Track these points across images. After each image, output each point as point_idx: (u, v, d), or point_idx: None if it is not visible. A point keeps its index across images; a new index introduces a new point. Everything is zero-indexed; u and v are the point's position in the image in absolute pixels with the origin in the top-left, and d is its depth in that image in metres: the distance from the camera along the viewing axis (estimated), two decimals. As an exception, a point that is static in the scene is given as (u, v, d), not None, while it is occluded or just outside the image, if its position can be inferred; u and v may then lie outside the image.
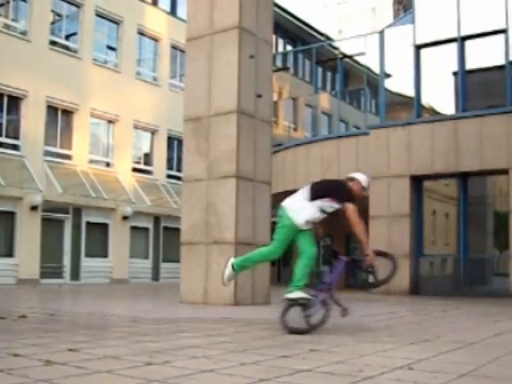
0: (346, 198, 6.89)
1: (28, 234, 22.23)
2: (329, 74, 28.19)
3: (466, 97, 18.64)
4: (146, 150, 28.59)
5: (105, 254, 25.45)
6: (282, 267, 31.82)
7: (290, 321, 6.85)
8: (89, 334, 6.63)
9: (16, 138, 22.68)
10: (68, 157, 24.42)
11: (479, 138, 17.46)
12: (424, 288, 18.26)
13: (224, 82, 12.43)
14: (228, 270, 7.20)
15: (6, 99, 22.46)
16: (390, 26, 21.10)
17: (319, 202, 6.95)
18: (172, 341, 6.01)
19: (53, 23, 24.91)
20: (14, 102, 22.78)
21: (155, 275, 27.53)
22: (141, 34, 27.90)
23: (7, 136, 22.53)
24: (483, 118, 17.58)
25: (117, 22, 26.79)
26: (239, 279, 11.75)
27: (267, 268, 12.72)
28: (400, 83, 20.84)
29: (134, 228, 26.62)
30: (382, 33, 20.53)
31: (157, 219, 27.82)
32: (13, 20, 23.41)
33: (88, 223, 24.87)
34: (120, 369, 4.31)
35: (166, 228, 27.99)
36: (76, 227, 24.35)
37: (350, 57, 24.06)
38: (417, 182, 18.82)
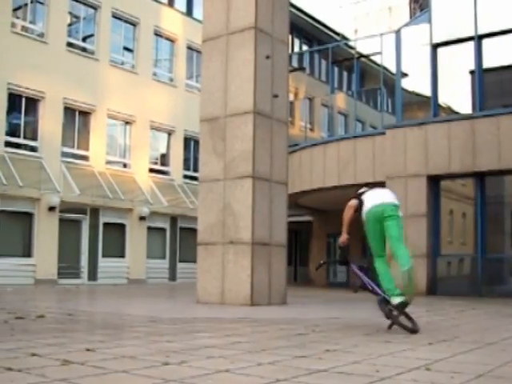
0: None
1: (46, 234, 22.36)
2: (345, 74, 28.14)
3: (483, 96, 18.52)
4: (163, 150, 28.66)
5: (122, 255, 25.55)
6: (298, 267, 31.85)
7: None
8: (106, 333, 6.65)
9: (34, 139, 22.83)
10: (85, 158, 24.55)
11: (496, 137, 17.33)
12: (441, 288, 18.16)
13: (240, 82, 12.43)
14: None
15: (23, 101, 22.62)
16: (406, 25, 21.01)
17: None
18: (189, 341, 6.02)
19: (70, 25, 25.04)
20: (32, 103, 22.93)
21: (172, 275, 27.59)
22: (157, 34, 27.99)
23: (25, 137, 22.68)
24: (500, 117, 17.45)
25: (133, 24, 26.89)
26: (255, 279, 11.76)
27: (283, 268, 12.72)
28: (416, 82, 20.74)
29: (150, 228, 26.69)
30: (398, 32, 20.46)
31: (173, 219, 27.88)
32: (30, 22, 23.56)
33: (105, 224, 24.98)
34: (137, 368, 4.32)
35: (182, 228, 28.04)
36: (93, 228, 24.47)
37: (367, 56, 23.98)
38: (434, 181, 18.72)
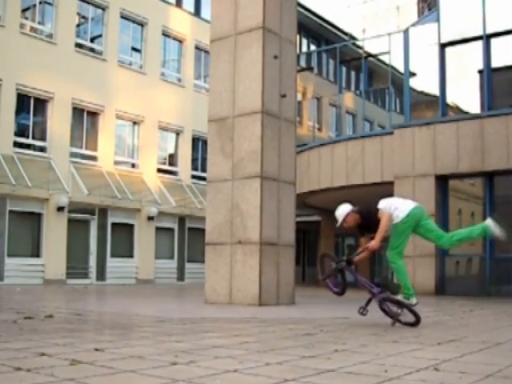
0: None
1: (54, 234, 22.44)
2: (353, 74, 28.12)
3: (491, 95, 18.46)
4: (171, 150, 28.70)
5: (130, 255, 25.61)
6: (306, 267, 31.84)
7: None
8: (114, 333, 6.67)
9: (42, 139, 22.91)
10: (94, 158, 24.62)
11: (505, 136, 17.28)
12: (449, 288, 18.12)
13: (248, 82, 12.43)
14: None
15: (32, 101, 22.70)
16: (414, 24, 20.96)
17: None
18: (197, 341, 6.03)
19: (78, 26, 25.13)
20: (41, 104, 23.02)
21: (180, 275, 27.62)
22: (165, 35, 28.03)
23: (34, 138, 22.77)
24: (509, 116, 17.40)
25: (141, 24, 26.94)
26: (264, 279, 11.76)
27: (292, 268, 12.71)
28: (425, 82, 20.70)
29: (159, 228, 26.75)
30: (406, 31, 20.42)
31: (182, 220, 27.92)
32: (39, 23, 23.66)
33: (113, 224, 25.04)
34: (145, 368, 4.33)
35: (190, 228, 28.08)
36: (102, 228, 24.53)
37: (375, 56, 23.95)
38: (442, 181, 18.68)
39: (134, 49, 27.11)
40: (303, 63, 28.11)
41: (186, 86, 28.60)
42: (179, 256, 27.77)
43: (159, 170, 27.18)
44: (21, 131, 22.43)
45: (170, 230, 27.70)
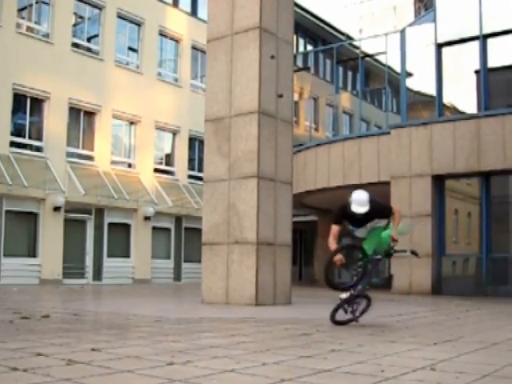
0: None
1: (51, 234, 22.40)
2: (350, 74, 28.13)
3: (488, 95, 18.49)
4: (168, 150, 28.67)
5: (127, 255, 25.57)
6: (303, 267, 31.85)
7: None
8: (111, 333, 6.67)
9: (39, 139, 22.86)
10: (90, 158, 24.58)
11: (502, 136, 17.31)
12: (446, 288, 18.14)
13: (245, 82, 12.43)
14: None
15: (28, 101, 22.65)
16: (411, 24, 20.97)
17: None
18: (194, 341, 6.03)
19: (75, 25, 25.07)
20: (37, 103, 22.97)
21: (177, 275, 27.59)
22: (162, 35, 28.00)
23: (30, 137, 22.72)
24: (506, 116, 17.42)
25: (138, 24, 26.91)
26: (260, 279, 11.77)
27: (289, 268, 12.72)
28: (421, 82, 20.71)
29: (155, 228, 26.71)
30: (403, 31, 20.43)
31: (178, 219, 27.89)
32: (35, 23, 23.59)
33: (110, 224, 25.00)
34: (142, 368, 4.33)
35: (187, 228, 28.05)
36: (98, 228, 24.50)
37: (371, 56, 23.96)
38: (439, 181, 18.70)
39: (130, 49, 27.07)
40: (300, 63, 28.12)
41: (182, 85, 28.57)
42: (176, 256, 27.74)
43: (156, 170, 27.15)
44: (17, 131, 22.37)
45: (167, 229, 27.67)
